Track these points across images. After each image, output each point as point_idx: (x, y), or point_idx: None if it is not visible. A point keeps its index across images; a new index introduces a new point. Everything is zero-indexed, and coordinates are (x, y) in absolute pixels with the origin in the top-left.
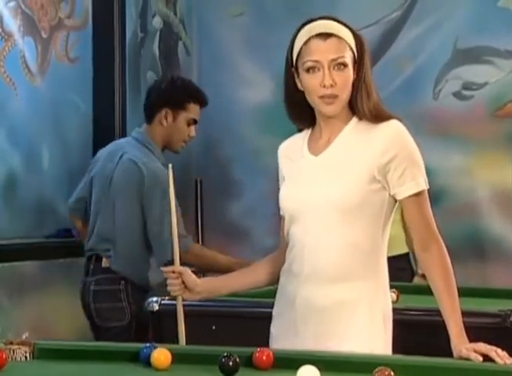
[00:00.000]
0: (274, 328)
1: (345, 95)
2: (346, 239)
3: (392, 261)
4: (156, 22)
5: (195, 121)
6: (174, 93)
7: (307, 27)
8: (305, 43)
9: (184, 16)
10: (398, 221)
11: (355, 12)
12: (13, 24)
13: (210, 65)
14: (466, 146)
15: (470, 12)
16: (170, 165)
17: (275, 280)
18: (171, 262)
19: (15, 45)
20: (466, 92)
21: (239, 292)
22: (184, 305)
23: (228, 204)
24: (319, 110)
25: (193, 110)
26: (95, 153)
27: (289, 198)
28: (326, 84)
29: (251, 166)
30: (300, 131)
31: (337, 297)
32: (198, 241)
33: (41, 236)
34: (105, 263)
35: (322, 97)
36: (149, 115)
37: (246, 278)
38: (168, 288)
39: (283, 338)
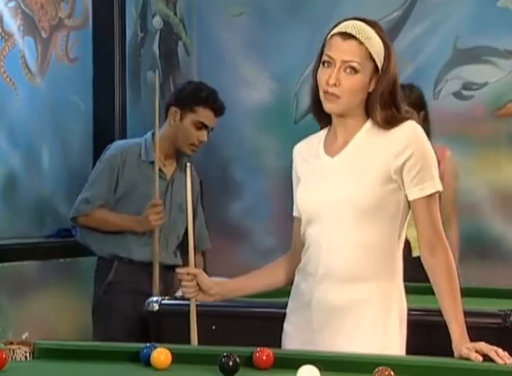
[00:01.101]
0: (288, 326)
1: (348, 99)
2: (362, 240)
3: (418, 260)
4: (156, 22)
5: (205, 126)
6: (184, 93)
7: (340, 24)
8: (330, 38)
9: (184, 16)
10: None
11: (355, 12)
12: (13, 24)
13: (210, 65)
14: (466, 146)
15: (470, 12)
16: (188, 164)
17: (290, 281)
18: (74, 220)
19: (15, 45)
20: (466, 92)
21: (253, 294)
22: (197, 306)
23: (229, 204)
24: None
25: (202, 114)
26: (95, 153)
27: (306, 200)
28: (330, 82)
29: (251, 166)
30: (321, 129)
31: (353, 297)
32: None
33: (41, 236)
34: None
35: (325, 92)
36: (165, 113)
37: (262, 280)
38: (183, 290)
39: (297, 335)
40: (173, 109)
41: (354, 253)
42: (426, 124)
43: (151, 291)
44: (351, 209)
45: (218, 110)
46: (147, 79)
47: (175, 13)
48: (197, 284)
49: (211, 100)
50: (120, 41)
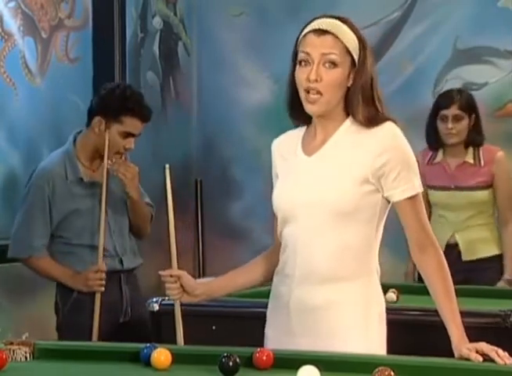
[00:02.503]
0: (268, 329)
1: (330, 95)
2: (339, 240)
3: (468, 264)
4: (157, 22)
5: (132, 134)
6: (109, 104)
7: (311, 23)
8: (304, 36)
9: (184, 17)
10: (488, 223)
11: (355, 12)
12: (13, 24)
13: (210, 65)
14: None
15: (470, 12)
16: (167, 165)
17: (269, 279)
18: (17, 259)
19: (15, 45)
20: None
21: (237, 292)
22: (181, 306)
23: (229, 204)
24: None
25: (129, 124)
26: None
27: (282, 199)
28: (311, 78)
29: (251, 166)
30: (296, 127)
31: (330, 297)
32: (198, 241)
33: None
34: None
35: (306, 90)
36: (88, 119)
37: (243, 278)
38: (167, 292)
39: (277, 338)
40: (97, 118)
41: (330, 254)
42: (477, 128)
43: (120, 300)
44: (327, 210)
45: (145, 117)
46: (147, 79)
47: (175, 13)
48: (181, 286)
49: (138, 109)
50: (120, 41)
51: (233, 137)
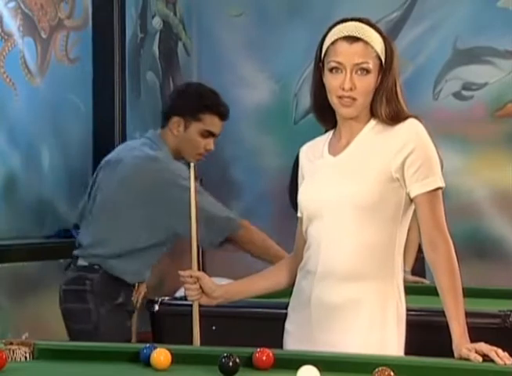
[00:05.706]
0: (289, 324)
1: (364, 99)
2: (361, 238)
3: None
4: (156, 22)
5: (212, 134)
6: (186, 102)
7: (338, 27)
8: (333, 43)
9: (184, 17)
10: None
11: (355, 12)
12: (13, 24)
13: (209, 65)
14: (466, 146)
15: (470, 12)
16: (192, 164)
17: (292, 282)
18: (220, 244)
19: (15, 46)
20: (466, 93)
21: (256, 296)
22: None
23: (229, 204)
24: (336, 111)
25: (208, 122)
26: (95, 153)
27: (306, 198)
28: (346, 87)
29: (251, 166)
30: (326, 131)
31: (351, 295)
32: (198, 241)
33: (41, 236)
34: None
35: (340, 97)
36: (163, 121)
37: (265, 281)
38: (186, 293)
39: (297, 334)
40: (175, 118)
41: (352, 252)
42: None
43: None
44: (350, 207)
45: (224, 114)
46: (147, 79)
47: (175, 14)
48: (200, 287)
49: (216, 105)
50: (119, 41)
51: (233, 137)
